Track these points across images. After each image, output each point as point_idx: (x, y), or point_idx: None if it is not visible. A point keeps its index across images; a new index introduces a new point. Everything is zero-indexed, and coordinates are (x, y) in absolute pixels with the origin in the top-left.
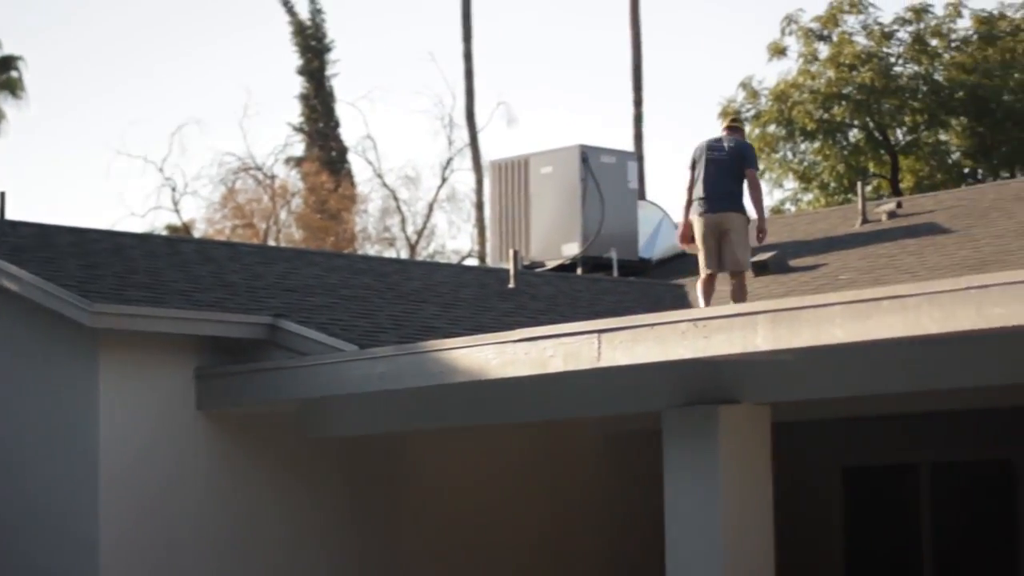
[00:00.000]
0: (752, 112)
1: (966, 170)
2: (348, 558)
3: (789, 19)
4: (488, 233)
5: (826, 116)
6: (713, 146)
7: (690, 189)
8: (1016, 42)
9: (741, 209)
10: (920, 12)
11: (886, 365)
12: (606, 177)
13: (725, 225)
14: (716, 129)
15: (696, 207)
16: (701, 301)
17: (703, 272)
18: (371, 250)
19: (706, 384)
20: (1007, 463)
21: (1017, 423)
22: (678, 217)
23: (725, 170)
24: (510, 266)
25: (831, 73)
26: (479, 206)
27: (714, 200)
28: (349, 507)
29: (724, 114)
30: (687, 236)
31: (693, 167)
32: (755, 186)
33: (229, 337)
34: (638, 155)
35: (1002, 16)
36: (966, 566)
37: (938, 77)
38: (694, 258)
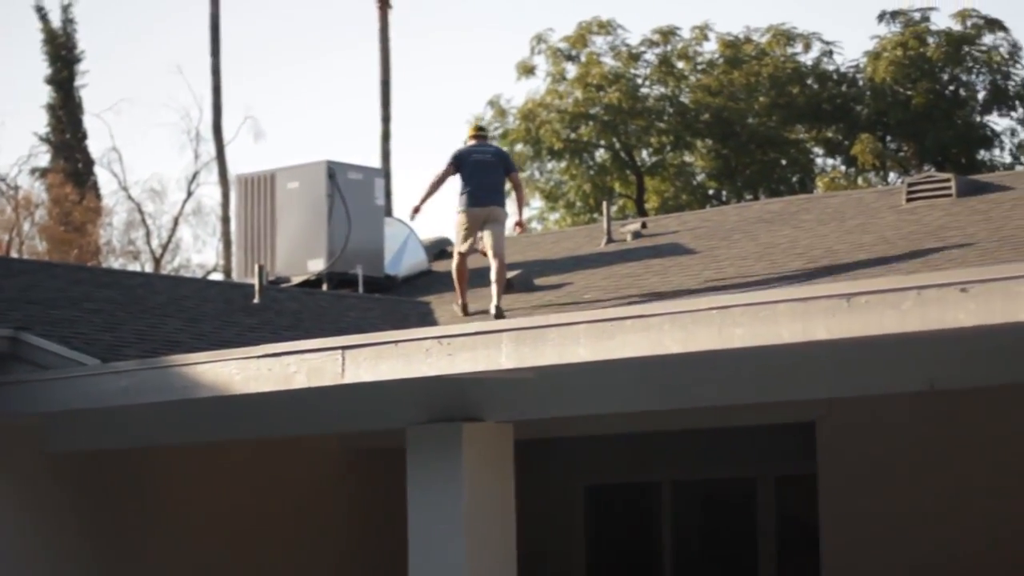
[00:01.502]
0: (500, 130)
1: (711, 191)
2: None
3: (539, 38)
4: (234, 248)
5: (573, 136)
6: (477, 150)
7: (437, 184)
8: (761, 66)
9: (504, 204)
10: (667, 35)
11: (629, 384)
12: (353, 193)
13: (491, 216)
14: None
15: (465, 201)
16: (457, 287)
17: (457, 256)
18: (115, 263)
19: (450, 402)
20: (747, 481)
21: (758, 442)
22: (424, 235)
23: (492, 170)
24: (255, 281)
25: (579, 93)
26: (225, 220)
27: (483, 196)
28: (91, 523)
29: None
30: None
31: (457, 168)
32: (519, 186)
33: None
34: (385, 172)
35: (747, 40)
36: None
37: (684, 99)
38: (440, 276)
